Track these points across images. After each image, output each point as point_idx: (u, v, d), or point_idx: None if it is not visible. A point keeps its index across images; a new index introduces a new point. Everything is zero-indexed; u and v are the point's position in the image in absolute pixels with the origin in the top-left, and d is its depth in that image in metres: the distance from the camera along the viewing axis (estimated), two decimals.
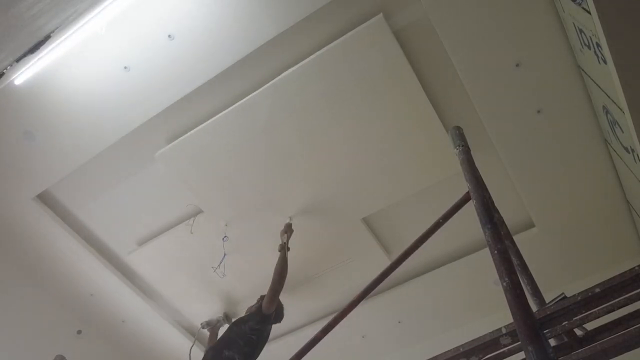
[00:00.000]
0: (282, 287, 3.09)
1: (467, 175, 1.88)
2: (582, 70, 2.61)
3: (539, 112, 2.82)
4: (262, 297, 3.16)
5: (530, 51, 2.65)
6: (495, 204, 2.01)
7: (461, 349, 1.61)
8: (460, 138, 2.03)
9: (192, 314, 3.95)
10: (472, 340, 1.60)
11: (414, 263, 3.37)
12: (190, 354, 3.38)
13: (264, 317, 3.04)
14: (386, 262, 3.12)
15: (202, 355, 3.15)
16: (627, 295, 1.51)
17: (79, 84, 2.92)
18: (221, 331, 3.67)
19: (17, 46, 2.57)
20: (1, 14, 2.23)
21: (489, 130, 2.91)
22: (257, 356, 3.01)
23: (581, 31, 2.24)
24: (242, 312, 3.69)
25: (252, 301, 3.24)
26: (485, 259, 1.92)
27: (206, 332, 3.76)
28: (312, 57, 2.83)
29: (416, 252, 1.97)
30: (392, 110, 2.94)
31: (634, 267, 1.53)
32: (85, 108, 3.00)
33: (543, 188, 3.10)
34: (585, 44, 2.29)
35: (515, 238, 2.07)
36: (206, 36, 2.77)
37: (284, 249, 3.15)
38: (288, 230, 3.24)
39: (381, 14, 2.68)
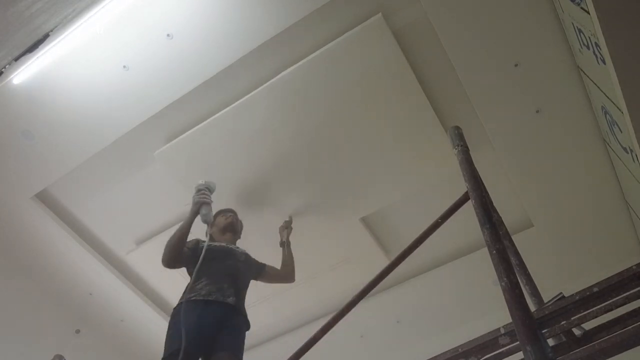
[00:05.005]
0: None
1: (465, 175, 1.87)
2: (581, 70, 2.61)
3: (537, 112, 2.82)
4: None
5: (529, 51, 2.65)
6: (494, 204, 2.00)
7: (460, 349, 1.60)
8: (459, 138, 2.03)
9: None
10: (471, 340, 1.60)
11: (413, 263, 3.35)
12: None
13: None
14: (385, 262, 3.12)
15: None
16: (625, 295, 1.51)
17: (78, 83, 2.91)
18: None
19: (15, 45, 2.57)
20: (0, 12, 2.23)
21: (488, 130, 2.91)
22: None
23: (580, 31, 2.24)
24: None
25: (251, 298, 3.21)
26: (483, 259, 1.91)
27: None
28: (311, 56, 2.83)
29: (415, 251, 1.97)
30: (390, 110, 2.94)
31: (631, 267, 1.53)
32: (84, 107, 3.00)
33: (542, 188, 3.10)
34: (584, 44, 2.29)
35: (513, 238, 2.07)
36: (205, 35, 2.77)
37: (285, 244, 3.14)
38: (288, 226, 3.24)
39: (380, 13, 2.68)
